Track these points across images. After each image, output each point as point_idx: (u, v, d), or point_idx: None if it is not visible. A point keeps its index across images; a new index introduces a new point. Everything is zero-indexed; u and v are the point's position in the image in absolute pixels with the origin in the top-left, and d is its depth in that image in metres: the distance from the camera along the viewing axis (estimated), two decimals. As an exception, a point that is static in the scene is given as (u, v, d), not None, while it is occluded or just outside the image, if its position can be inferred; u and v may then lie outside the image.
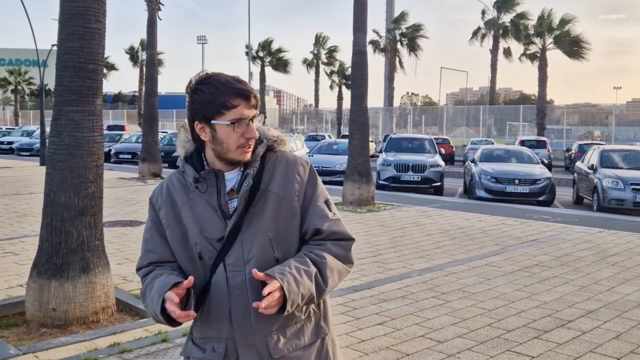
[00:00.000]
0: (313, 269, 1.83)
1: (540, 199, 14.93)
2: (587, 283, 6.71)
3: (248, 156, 1.87)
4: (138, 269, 2.01)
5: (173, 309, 1.72)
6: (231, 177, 1.90)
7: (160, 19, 18.22)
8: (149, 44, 18.42)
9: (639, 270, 7.36)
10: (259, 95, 1.89)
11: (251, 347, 1.86)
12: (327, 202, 1.95)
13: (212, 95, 1.81)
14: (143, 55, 49.95)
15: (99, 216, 5.26)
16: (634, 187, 13.35)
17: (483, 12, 43.52)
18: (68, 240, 5.04)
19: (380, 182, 17.27)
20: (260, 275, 1.74)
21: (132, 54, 53.71)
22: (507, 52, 42.59)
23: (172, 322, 1.80)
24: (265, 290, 1.70)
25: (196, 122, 1.86)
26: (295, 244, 1.91)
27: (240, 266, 1.84)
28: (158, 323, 1.93)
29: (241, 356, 1.87)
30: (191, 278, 1.75)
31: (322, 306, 1.98)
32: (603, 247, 8.74)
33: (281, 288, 1.73)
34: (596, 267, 7.47)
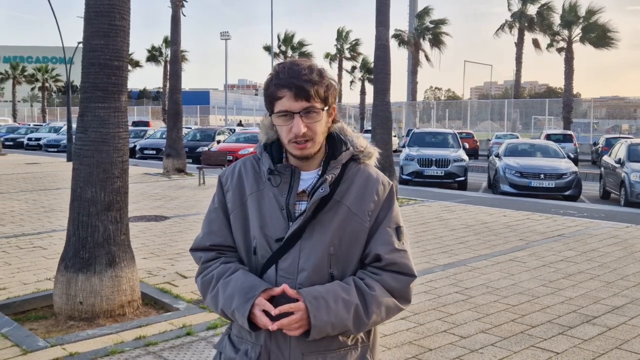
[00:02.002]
0: (354, 300, 1.71)
1: (566, 193, 14.74)
2: (613, 279, 6.62)
3: (304, 152, 1.74)
4: (196, 249, 1.89)
5: (266, 320, 1.65)
6: (307, 178, 1.79)
7: (184, 15, 18.36)
8: (173, 40, 18.58)
9: (667, 266, 7.24)
10: (321, 89, 1.72)
11: None
12: (398, 230, 1.81)
13: (267, 85, 1.74)
14: (167, 52, 50.39)
15: (124, 211, 5.34)
16: (662, 181, 13.11)
17: (508, 3, 42.94)
18: (94, 235, 5.13)
19: (404, 176, 17.22)
20: (290, 292, 1.67)
21: (156, 50, 54.16)
22: (536, 44, 42.00)
23: (252, 325, 1.70)
24: (280, 308, 1.64)
25: None
26: (354, 264, 1.79)
27: (293, 274, 1.73)
28: (226, 319, 1.84)
29: None
30: (285, 286, 1.68)
31: (371, 337, 1.86)
32: (630, 243, 8.61)
33: (305, 311, 1.65)
34: (623, 263, 7.37)
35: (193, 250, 1.91)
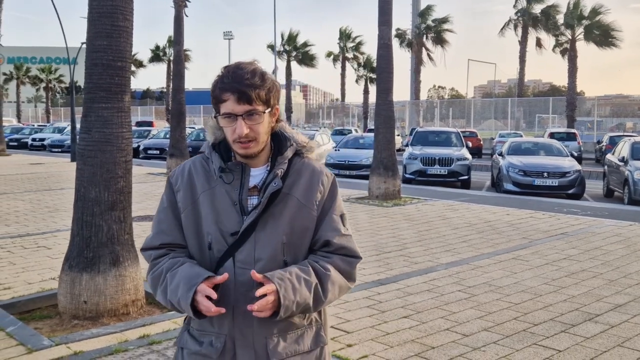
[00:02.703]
0: (314, 280, 1.84)
1: (570, 192, 14.72)
2: (616, 277, 6.62)
3: (248, 151, 1.85)
4: (147, 249, 1.96)
5: (208, 304, 1.72)
6: (256, 174, 1.90)
7: (187, 16, 18.38)
8: (176, 40, 18.60)
9: (671, 264, 7.24)
10: (262, 92, 1.82)
11: (249, 347, 1.86)
12: (342, 217, 1.96)
13: (213, 87, 1.85)
14: (170, 52, 50.45)
15: (128, 211, 5.37)
16: (666, 179, 13.09)
17: (515, 1, 42.95)
18: (98, 234, 5.16)
19: (407, 175, 17.22)
20: (258, 276, 1.75)
21: (159, 50, 54.24)
22: (539, 43, 41.97)
23: (197, 313, 1.79)
24: (259, 291, 1.72)
25: None
26: (305, 251, 1.93)
27: (250, 264, 1.84)
28: (175, 311, 1.90)
29: (239, 355, 1.86)
30: (226, 275, 1.77)
31: (322, 317, 2.00)
32: (633, 241, 8.61)
33: (276, 292, 1.73)
34: (626, 261, 7.36)
35: (143, 250, 1.98)
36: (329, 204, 1.94)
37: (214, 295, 1.73)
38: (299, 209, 1.89)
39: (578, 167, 15.36)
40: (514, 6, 43.03)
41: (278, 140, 1.95)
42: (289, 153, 1.92)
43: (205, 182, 1.91)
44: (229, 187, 1.87)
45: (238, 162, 1.89)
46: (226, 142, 1.90)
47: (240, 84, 1.79)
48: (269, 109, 1.86)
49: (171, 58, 45.04)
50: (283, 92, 54.74)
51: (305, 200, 1.90)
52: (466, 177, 17.11)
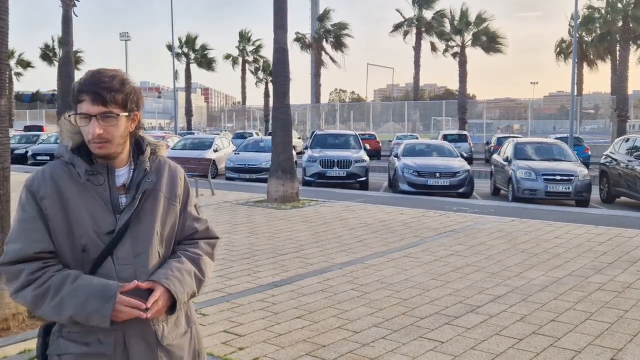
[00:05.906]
0: (191, 268, 2.04)
1: (460, 191, 15.47)
2: (497, 270, 7.04)
3: (101, 151, 1.91)
4: (15, 262, 1.87)
5: (138, 313, 1.84)
6: (121, 174, 1.99)
7: (77, 15, 17.67)
8: (65, 41, 17.86)
9: (546, 256, 7.78)
10: (119, 95, 1.90)
11: (140, 338, 1.94)
12: (196, 206, 2.19)
13: (72, 88, 1.91)
14: (61, 52, 48.10)
15: (6, 220, 5.09)
16: (545, 177, 14.09)
17: (399, 11, 44.82)
18: (-27, 246, 4.85)
19: (306, 178, 17.42)
20: (144, 285, 1.88)
21: (49, 50, 51.56)
22: (433, 48, 43.75)
23: (111, 322, 1.85)
24: (150, 301, 1.86)
25: None
26: (173, 241, 2.09)
27: (130, 260, 1.92)
28: (65, 323, 1.89)
29: (130, 347, 1.92)
30: (135, 282, 1.86)
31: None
32: (514, 235, 9.18)
33: (167, 291, 1.91)
34: (506, 255, 7.85)
35: (7, 264, 1.89)
36: (186, 197, 2.14)
37: (142, 305, 1.84)
38: (167, 203, 2.04)
39: (467, 167, 16.16)
40: (402, 15, 44.72)
41: (137, 141, 2.07)
42: (148, 152, 2.04)
43: (73, 187, 1.92)
44: (99, 189, 1.93)
45: (102, 164, 1.95)
46: (85, 146, 1.95)
47: (97, 86, 1.87)
48: (127, 114, 1.94)
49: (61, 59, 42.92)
50: (183, 95, 53.66)
51: (170, 195, 2.06)
52: (364, 178, 17.55)
